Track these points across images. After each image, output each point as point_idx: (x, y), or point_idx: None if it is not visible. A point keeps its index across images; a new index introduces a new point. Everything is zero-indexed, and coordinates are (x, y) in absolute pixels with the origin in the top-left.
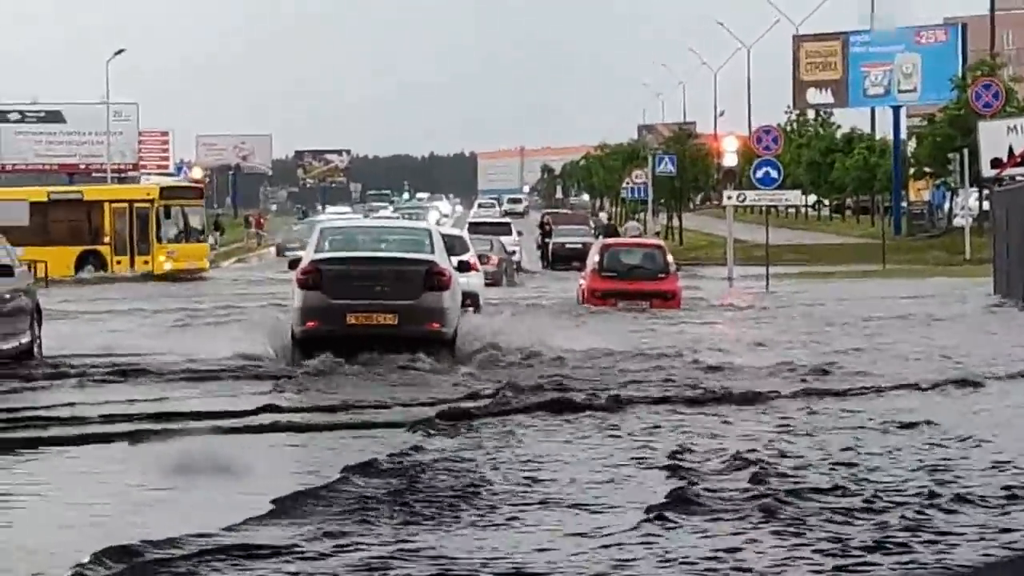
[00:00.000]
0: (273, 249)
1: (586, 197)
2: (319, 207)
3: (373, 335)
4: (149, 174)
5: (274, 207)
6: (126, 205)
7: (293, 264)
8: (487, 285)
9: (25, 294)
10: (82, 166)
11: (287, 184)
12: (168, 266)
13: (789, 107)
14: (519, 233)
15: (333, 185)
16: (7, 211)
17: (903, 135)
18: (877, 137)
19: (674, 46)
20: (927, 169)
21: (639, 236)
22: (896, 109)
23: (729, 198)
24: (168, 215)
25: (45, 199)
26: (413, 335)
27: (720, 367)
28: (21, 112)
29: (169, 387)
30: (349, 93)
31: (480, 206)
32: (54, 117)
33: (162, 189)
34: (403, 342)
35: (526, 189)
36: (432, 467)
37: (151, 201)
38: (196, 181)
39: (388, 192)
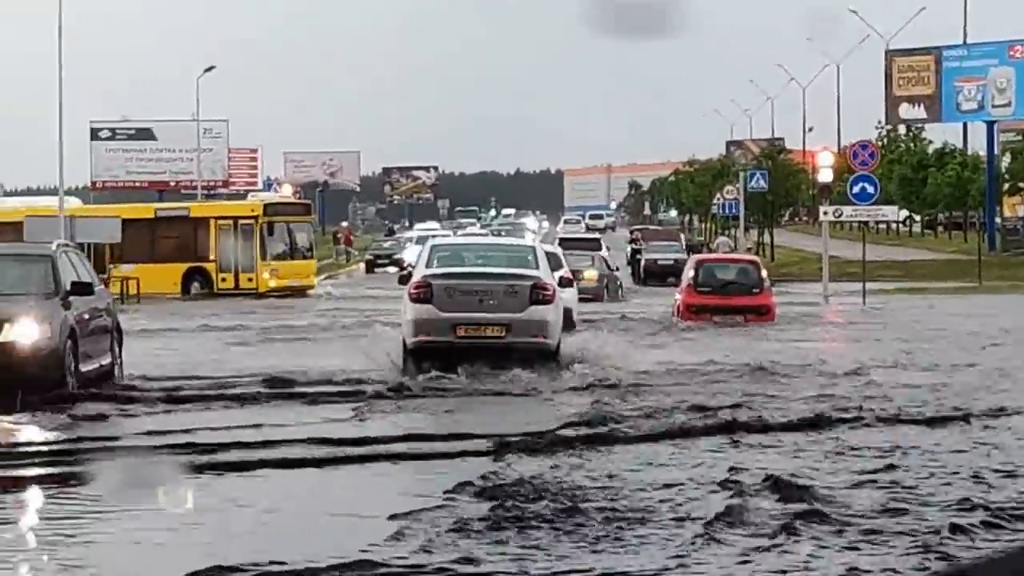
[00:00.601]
0: (363, 265)
1: (674, 213)
2: (406, 223)
3: (481, 347)
4: (258, 190)
5: (363, 224)
6: (231, 222)
7: (403, 280)
8: (588, 301)
9: (106, 313)
10: (172, 183)
11: (375, 201)
12: (272, 283)
13: (880, 122)
14: (607, 248)
15: (420, 202)
16: (100, 229)
17: (996, 150)
18: (969, 152)
19: (762, 63)
20: (1021, 185)
21: (730, 252)
22: (990, 124)
23: (825, 213)
24: (272, 232)
25: (152, 216)
26: (519, 347)
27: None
28: (112, 130)
29: (286, 407)
30: (437, 110)
31: (566, 222)
32: (145, 134)
33: (266, 206)
34: (509, 353)
35: (613, 205)
36: (540, 488)
37: (255, 218)
38: (300, 198)
39: (476, 208)
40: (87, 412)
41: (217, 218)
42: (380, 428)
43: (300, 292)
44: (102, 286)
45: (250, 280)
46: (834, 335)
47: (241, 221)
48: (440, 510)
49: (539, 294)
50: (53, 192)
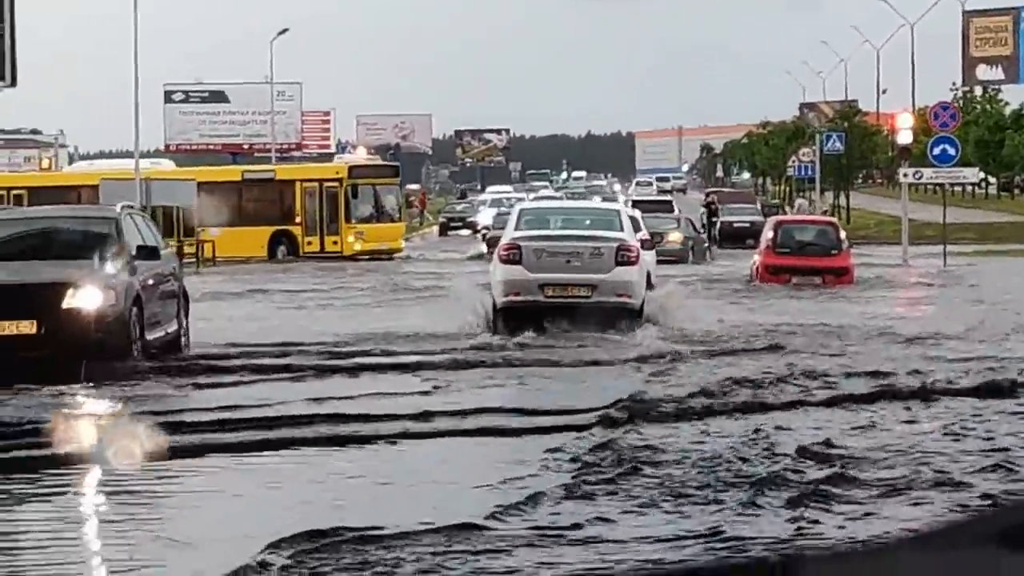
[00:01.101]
0: (436, 228)
1: (747, 176)
2: (477, 186)
3: (568, 306)
4: (330, 153)
5: (436, 187)
6: (316, 184)
7: (492, 243)
8: (672, 263)
9: (172, 279)
10: (245, 146)
11: (447, 164)
12: (357, 246)
13: (955, 84)
14: (679, 210)
15: (492, 164)
16: (176, 192)
17: None
18: None
19: (835, 24)
20: None
21: (808, 214)
22: None
23: (905, 176)
24: (357, 194)
25: (239, 179)
26: (604, 306)
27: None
28: (186, 92)
29: (386, 378)
30: (508, 73)
31: (637, 184)
32: (218, 97)
33: (351, 168)
34: (595, 313)
35: (684, 168)
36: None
37: (340, 180)
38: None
39: (548, 171)
40: (155, 384)
41: (302, 181)
42: (466, 400)
43: (387, 255)
44: (169, 250)
45: (335, 243)
46: (920, 297)
47: (326, 184)
48: (537, 478)
49: (624, 256)
50: (128, 155)
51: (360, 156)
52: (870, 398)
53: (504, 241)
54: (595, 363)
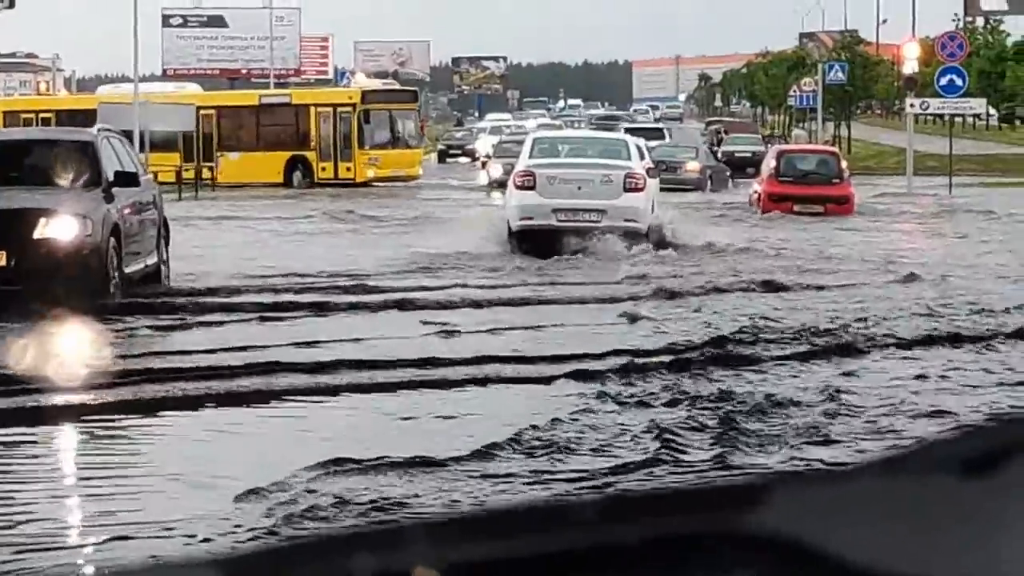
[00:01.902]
0: (435, 156)
1: (746, 105)
2: (475, 114)
3: (579, 229)
4: (328, 79)
5: (434, 114)
6: (330, 110)
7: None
8: (690, 191)
9: (152, 207)
10: (244, 71)
11: (445, 91)
12: (371, 173)
13: (957, 15)
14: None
15: (489, 92)
16: (175, 116)
17: None
18: None
19: None
20: None
21: (807, 143)
22: None
23: (912, 106)
24: (369, 120)
25: (256, 103)
26: (613, 230)
27: None
28: (184, 16)
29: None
30: (506, 0)
31: (635, 111)
32: (216, 22)
33: (364, 93)
34: (604, 235)
35: (682, 97)
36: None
37: (353, 106)
38: (408, 84)
39: (545, 99)
40: (131, 321)
41: (317, 106)
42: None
43: (404, 181)
44: (148, 176)
45: (348, 170)
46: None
47: (340, 109)
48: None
49: (631, 183)
50: (126, 79)
51: (375, 81)
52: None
53: (519, 168)
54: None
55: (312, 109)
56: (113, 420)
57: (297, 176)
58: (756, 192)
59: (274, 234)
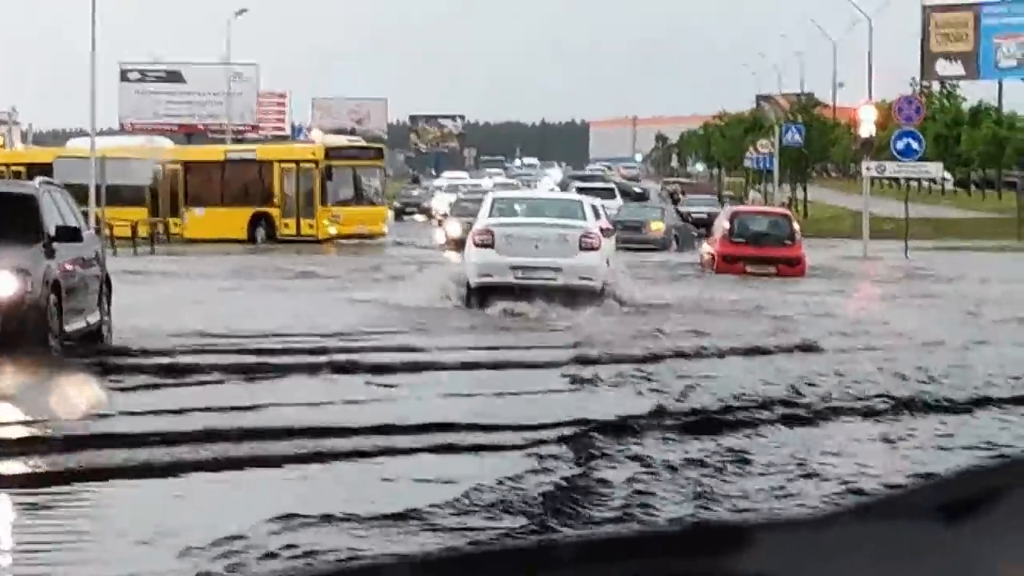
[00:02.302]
0: (391, 213)
1: (701, 167)
2: (432, 172)
3: (536, 287)
4: (294, 133)
5: (391, 171)
6: (293, 165)
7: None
8: (654, 251)
9: (95, 263)
10: (201, 126)
11: (402, 149)
12: (333, 230)
13: (914, 79)
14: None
15: (446, 151)
16: (133, 171)
17: None
18: (1005, 111)
19: (791, 17)
20: None
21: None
22: None
23: (868, 169)
24: (332, 176)
25: (222, 158)
26: (568, 288)
27: None
28: (142, 71)
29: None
30: (463, 59)
31: (590, 170)
32: (174, 77)
33: (328, 149)
34: (560, 293)
35: (638, 158)
36: None
37: (315, 162)
38: (373, 141)
39: (502, 158)
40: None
41: (281, 161)
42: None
43: (368, 239)
44: (91, 231)
45: (311, 226)
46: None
47: (303, 165)
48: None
49: (586, 242)
50: (84, 133)
51: (340, 137)
52: None
53: (478, 227)
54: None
55: (276, 165)
56: (37, 489)
57: (260, 232)
58: (708, 252)
59: (223, 291)
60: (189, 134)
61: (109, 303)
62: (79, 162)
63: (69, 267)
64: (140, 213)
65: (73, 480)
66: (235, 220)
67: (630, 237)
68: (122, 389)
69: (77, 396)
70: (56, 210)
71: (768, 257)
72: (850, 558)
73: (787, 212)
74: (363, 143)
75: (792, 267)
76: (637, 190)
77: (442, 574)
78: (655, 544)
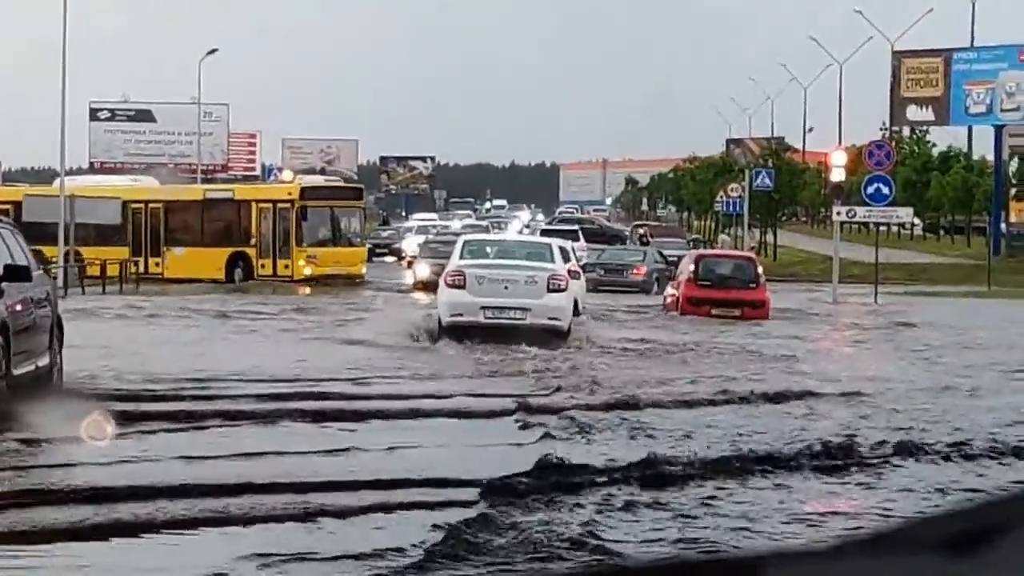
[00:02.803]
0: None
1: (672, 210)
2: (402, 213)
3: (505, 326)
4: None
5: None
6: (270, 206)
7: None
8: (636, 293)
9: (45, 304)
10: (171, 165)
11: (372, 190)
12: (308, 271)
13: (884, 124)
14: (583, 239)
15: (416, 192)
16: (100, 210)
17: (1004, 155)
18: (974, 156)
19: (761, 61)
20: None
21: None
22: (998, 128)
23: (838, 214)
24: (307, 216)
25: (201, 197)
26: (536, 327)
27: None
28: (112, 110)
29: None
30: (433, 101)
31: (560, 214)
32: (144, 116)
33: (304, 189)
34: (528, 332)
35: (608, 200)
36: None
37: (291, 202)
38: (352, 181)
39: (471, 200)
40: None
41: (258, 201)
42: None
43: (346, 280)
44: (41, 271)
45: (287, 267)
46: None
47: (279, 205)
48: None
49: (554, 283)
50: (52, 173)
51: (318, 177)
52: None
53: (450, 268)
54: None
55: (253, 205)
56: None
57: (238, 273)
58: (673, 295)
59: (189, 333)
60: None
61: (61, 345)
62: (48, 200)
63: (18, 308)
64: (121, 252)
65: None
66: (213, 260)
67: (613, 280)
68: (66, 440)
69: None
70: (5, 248)
71: (733, 300)
72: None
73: (751, 256)
74: (342, 183)
75: (756, 309)
76: (624, 234)
77: None
78: (668, 574)
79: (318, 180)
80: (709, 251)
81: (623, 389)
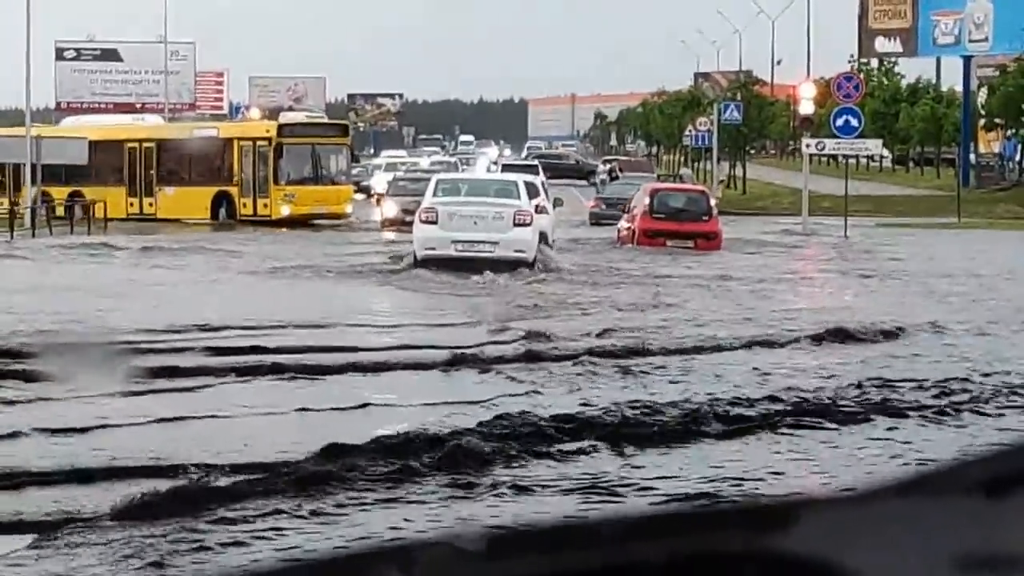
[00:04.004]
0: None
1: (641, 144)
2: (371, 151)
3: (474, 258)
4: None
5: None
6: (250, 143)
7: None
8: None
9: None
10: (138, 105)
11: None
12: (285, 210)
13: (853, 56)
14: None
15: (385, 129)
16: (66, 150)
17: (972, 86)
18: (943, 88)
19: None
20: (998, 120)
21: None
22: (966, 59)
23: (808, 146)
24: (282, 153)
25: (189, 136)
26: (503, 259)
27: None
28: (77, 50)
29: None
30: (400, 37)
31: (528, 149)
32: (110, 55)
33: (281, 126)
34: (496, 263)
35: (579, 135)
36: None
37: (269, 139)
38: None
39: (439, 137)
40: None
41: (239, 139)
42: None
43: (329, 219)
44: None
45: (265, 206)
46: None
47: (258, 143)
48: None
49: (520, 218)
50: (18, 113)
51: (299, 114)
52: None
53: (424, 206)
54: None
55: (236, 143)
56: None
57: (222, 212)
58: (627, 228)
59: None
60: (126, 113)
61: None
62: (15, 140)
63: None
64: (119, 193)
65: None
66: (200, 199)
67: (614, 215)
68: None
69: None
70: None
71: (687, 232)
72: (893, 534)
73: (703, 189)
74: (325, 120)
75: (709, 241)
76: (600, 169)
77: (474, 557)
78: (696, 523)
79: (299, 117)
80: (663, 185)
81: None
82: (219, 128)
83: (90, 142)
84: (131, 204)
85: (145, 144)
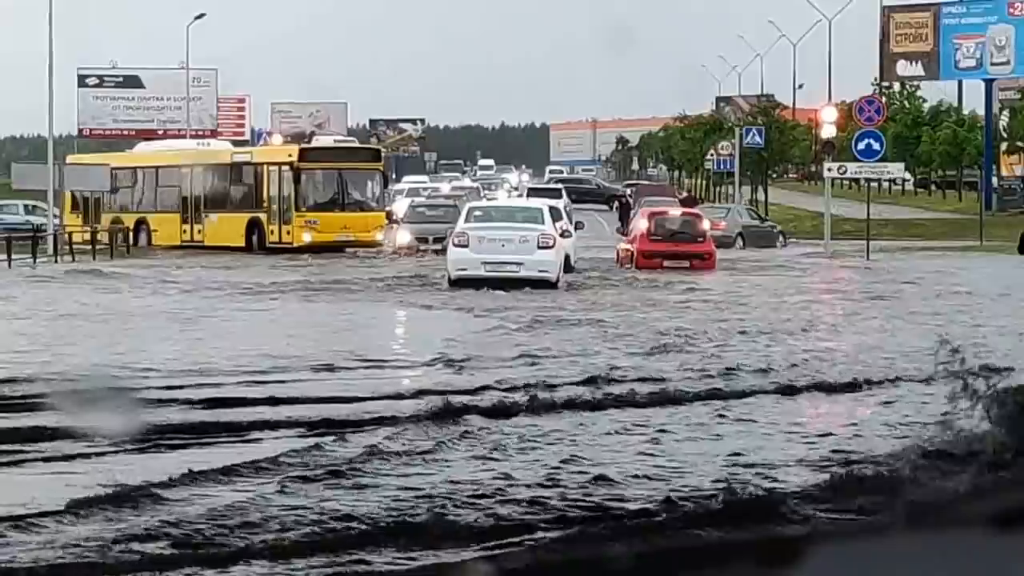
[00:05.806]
0: None
1: (663, 169)
2: (393, 176)
3: (502, 278)
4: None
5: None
6: (276, 168)
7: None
8: (721, 247)
9: None
10: (160, 132)
11: None
12: (307, 237)
13: (875, 79)
14: (568, 197)
15: (407, 155)
16: (90, 177)
17: (994, 108)
18: (965, 111)
19: (752, 19)
20: (1020, 144)
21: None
22: (988, 82)
23: (829, 170)
24: (301, 179)
25: (229, 161)
26: (528, 279)
27: None
28: (100, 77)
29: None
30: (422, 63)
31: (550, 174)
32: (132, 82)
33: (303, 151)
34: (522, 283)
35: (600, 160)
36: None
37: (291, 164)
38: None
39: (460, 162)
40: None
41: (268, 164)
42: None
43: (356, 247)
44: None
45: (288, 233)
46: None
47: (283, 167)
48: None
49: (543, 242)
50: (40, 140)
51: (327, 138)
52: None
53: (457, 230)
54: None
55: (265, 168)
56: None
57: (254, 240)
58: (626, 250)
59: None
60: (148, 139)
61: None
62: (37, 168)
63: None
64: (174, 220)
65: None
66: (236, 226)
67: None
68: None
69: None
70: None
71: (683, 253)
72: (904, 567)
73: (698, 212)
74: (354, 144)
75: (704, 261)
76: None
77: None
78: (709, 556)
79: (326, 141)
80: (658, 208)
81: None
82: (252, 153)
83: (156, 168)
84: (184, 232)
85: (195, 169)
